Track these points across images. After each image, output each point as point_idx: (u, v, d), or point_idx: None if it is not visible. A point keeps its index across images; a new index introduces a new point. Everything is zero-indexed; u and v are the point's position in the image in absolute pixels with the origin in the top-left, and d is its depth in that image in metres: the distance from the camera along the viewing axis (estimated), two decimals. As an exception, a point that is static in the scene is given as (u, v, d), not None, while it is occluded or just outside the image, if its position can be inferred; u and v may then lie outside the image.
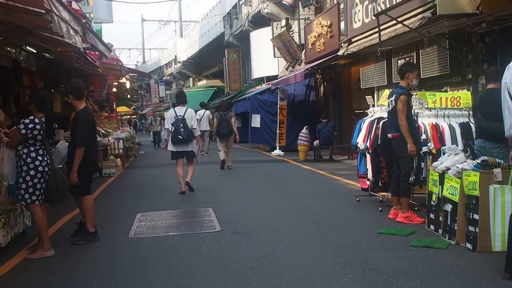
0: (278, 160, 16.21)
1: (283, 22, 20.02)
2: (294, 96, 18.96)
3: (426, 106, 7.32)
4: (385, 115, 7.41)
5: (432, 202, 5.97)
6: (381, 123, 7.34)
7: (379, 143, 7.30)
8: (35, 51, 12.39)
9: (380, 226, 6.22)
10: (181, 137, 9.01)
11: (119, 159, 14.04)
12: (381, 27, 9.89)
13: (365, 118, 8.25)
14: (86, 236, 5.97)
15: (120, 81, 16.73)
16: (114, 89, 18.19)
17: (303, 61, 19.57)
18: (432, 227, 5.96)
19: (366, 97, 9.05)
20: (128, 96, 25.32)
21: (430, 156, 6.92)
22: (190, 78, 48.43)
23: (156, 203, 8.66)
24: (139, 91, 46.28)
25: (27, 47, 11.86)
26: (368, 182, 8.12)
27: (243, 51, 31.62)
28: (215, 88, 38.07)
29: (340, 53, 14.27)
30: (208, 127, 17.61)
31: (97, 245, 5.88)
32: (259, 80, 27.69)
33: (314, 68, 17.70)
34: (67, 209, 7.48)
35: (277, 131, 17.92)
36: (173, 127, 9.09)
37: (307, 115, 18.03)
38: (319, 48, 16.73)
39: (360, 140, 7.85)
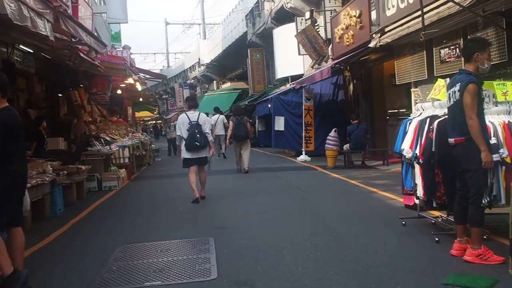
0: (304, 167, 14.56)
1: (307, 15, 18.36)
2: (320, 95, 17.61)
3: (494, 99, 5.49)
4: (439, 112, 5.61)
5: (519, 237, 4.14)
6: (435, 123, 5.42)
7: (433, 150, 5.38)
8: (31, 51, 11.06)
9: (442, 268, 4.39)
10: (198, 144, 8.80)
11: (123, 169, 12.44)
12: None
13: (411, 117, 6.40)
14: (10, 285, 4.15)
15: (127, 82, 15.14)
16: (119, 91, 16.64)
17: (330, 57, 17.93)
18: (520, 273, 4.12)
19: (412, 89, 7.29)
20: (141, 100, 23.76)
21: (503, 167, 5.07)
22: (214, 81, 47.66)
23: (149, 227, 7.01)
24: (155, 95, 45.22)
25: (21, 46, 10.56)
26: (417, 201, 6.19)
27: (266, 51, 30.42)
28: (239, 90, 36.92)
29: (371, 45, 12.68)
30: (223, 132, 17.14)
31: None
32: (283, 80, 26.42)
33: (342, 64, 16.02)
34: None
35: (303, 134, 16.38)
36: (188, 133, 8.81)
37: (335, 116, 16.49)
38: (347, 41, 15.13)
39: (406, 147, 5.93)
